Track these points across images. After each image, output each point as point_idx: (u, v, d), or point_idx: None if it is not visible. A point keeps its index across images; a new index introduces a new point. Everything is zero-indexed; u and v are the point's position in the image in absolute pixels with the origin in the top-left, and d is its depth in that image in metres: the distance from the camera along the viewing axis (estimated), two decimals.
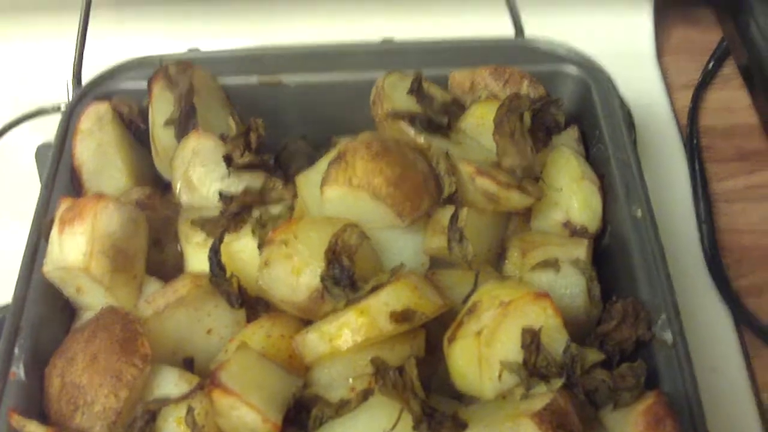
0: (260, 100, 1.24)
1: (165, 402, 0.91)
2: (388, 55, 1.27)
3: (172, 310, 0.98)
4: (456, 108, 1.19)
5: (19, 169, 1.35)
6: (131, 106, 1.20)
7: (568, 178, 1.11)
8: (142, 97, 1.21)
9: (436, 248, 1.04)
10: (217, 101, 1.22)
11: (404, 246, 1.05)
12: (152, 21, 1.59)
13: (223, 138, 1.13)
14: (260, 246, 1.02)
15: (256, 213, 1.08)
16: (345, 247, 0.96)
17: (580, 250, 1.05)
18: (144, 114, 1.20)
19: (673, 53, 1.66)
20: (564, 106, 1.14)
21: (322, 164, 1.06)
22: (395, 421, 0.87)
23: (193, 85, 1.16)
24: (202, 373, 0.95)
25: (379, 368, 0.89)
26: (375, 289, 0.94)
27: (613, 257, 1.09)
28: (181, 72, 1.18)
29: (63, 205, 1.04)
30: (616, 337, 0.99)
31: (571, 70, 1.24)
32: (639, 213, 1.06)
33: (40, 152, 1.27)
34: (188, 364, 0.98)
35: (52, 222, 1.04)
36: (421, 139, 1.10)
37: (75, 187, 1.14)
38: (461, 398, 0.95)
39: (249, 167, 1.12)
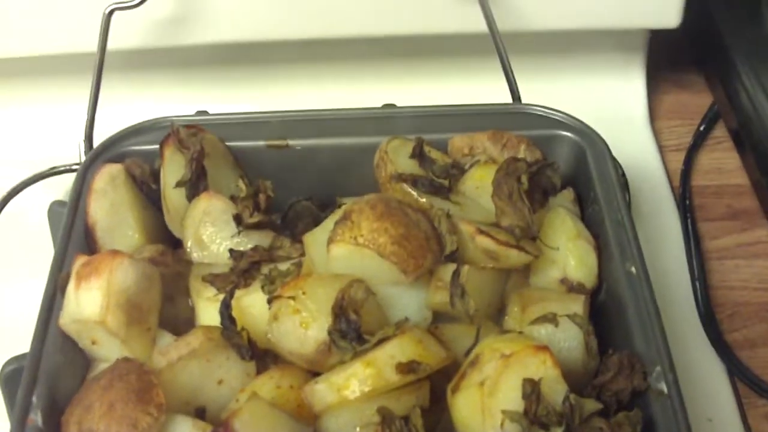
0: (267, 162, 1.26)
1: None
2: (390, 120, 1.29)
3: (185, 362, 0.99)
4: (456, 171, 1.21)
5: (31, 226, 1.37)
6: (143, 167, 1.23)
7: (565, 237, 1.13)
8: (152, 157, 1.23)
9: (439, 303, 1.06)
10: (226, 163, 1.24)
11: (408, 301, 1.06)
12: (161, 85, 1.63)
13: (233, 199, 1.16)
14: (269, 301, 1.03)
15: (265, 269, 1.10)
16: (351, 302, 0.97)
17: (577, 306, 1.07)
18: (155, 175, 1.22)
19: (665, 117, 1.69)
20: (560, 169, 1.15)
21: (329, 224, 1.09)
22: None
23: (204, 148, 1.18)
24: (214, 422, 0.96)
25: (386, 417, 0.91)
26: (381, 342, 0.96)
27: (609, 312, 1.11)
28: (191, 135, 1.20)
29: (78, 261, 1.06)
30: (613, 388, 1.00)
31: (567, 134, 1.25)
32: (633, 270, 1.08)
33: (53, 210, 1.28)
34: (200, 414, 1.00)
35: (68, 276, 1.05)
36: (423, 200, 1.14)
37: (89, 243, 1.16)
38: None
39: (258, 227, 1.14)
